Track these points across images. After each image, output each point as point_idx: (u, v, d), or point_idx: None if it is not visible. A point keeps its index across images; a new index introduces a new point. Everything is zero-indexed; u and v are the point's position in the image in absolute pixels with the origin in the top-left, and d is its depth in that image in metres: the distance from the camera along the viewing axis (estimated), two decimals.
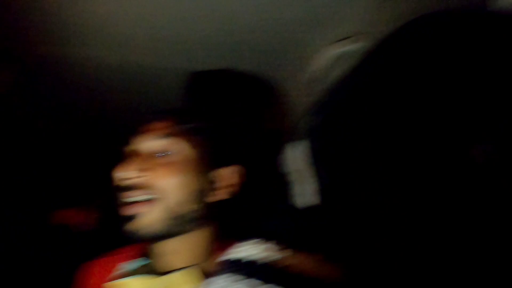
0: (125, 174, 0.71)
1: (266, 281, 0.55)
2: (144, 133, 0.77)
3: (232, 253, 0.62)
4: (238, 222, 0.84)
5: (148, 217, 0.70)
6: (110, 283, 0.75)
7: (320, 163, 1.17)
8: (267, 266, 0.57)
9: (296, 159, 1.27)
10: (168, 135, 0.75)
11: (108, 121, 1.57)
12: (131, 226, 0.70)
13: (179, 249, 0.75)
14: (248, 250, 0.60)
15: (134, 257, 0.80)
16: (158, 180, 0.71)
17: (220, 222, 0.82)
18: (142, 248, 0.81)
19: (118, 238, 0.74)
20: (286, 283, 0.56)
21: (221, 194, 0.78)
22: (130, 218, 0.70)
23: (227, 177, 0.79)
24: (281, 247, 0.61)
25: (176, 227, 0.72)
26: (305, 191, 1.24)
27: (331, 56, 0.87)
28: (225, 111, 1.00)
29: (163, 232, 0.71)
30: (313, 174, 1.20)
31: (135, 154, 0.75)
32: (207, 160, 0.78)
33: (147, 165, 0.72)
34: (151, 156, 0.74)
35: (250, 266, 0.57)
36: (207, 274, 0.66)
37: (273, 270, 0.57)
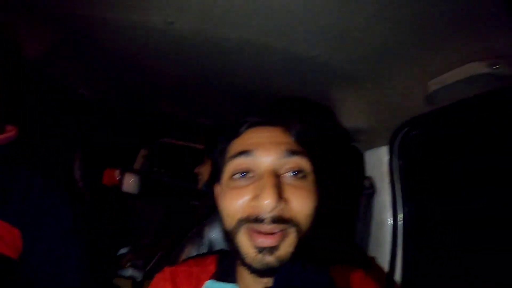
0: (272, 203, 0.60)
1: None
2: (266, 145, 0.66)
3: None
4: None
5: (283, 248, 0.62)
6: None
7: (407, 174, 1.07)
8: None
9: (378, 164, 1.16)
10: (301, 151, 0.66)
11: (147, 89, 1.51)
12: (266, 259, 0.62)
13: None
14: None
15: (221, 276, 0.75)
16: (295, 209, 0.63)
17: None
18: (223, 264, 0.77)
19: None
20: None
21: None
22: (264, 249, 0.62)
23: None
24: None
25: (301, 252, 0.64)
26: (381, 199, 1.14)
27: (467, 73, 0.75)
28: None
29: (292, 259, 0.63)
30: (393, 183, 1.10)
31: (259, 174, 0.65)
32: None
33: (283, 191, 0.63)
34: (278, 175, 0.64)
35: None
36: None
37: None
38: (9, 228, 0.78)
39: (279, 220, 0.61)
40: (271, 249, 0.61)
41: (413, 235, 1.10)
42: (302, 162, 0.65)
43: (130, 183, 2.17)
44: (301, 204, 0.63)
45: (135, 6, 0.81)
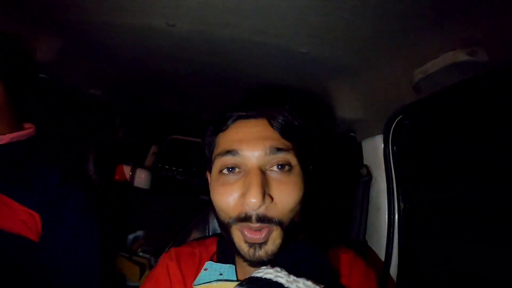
0: (257, 203, 0.63)
1: None
2: (251, 142, 0.68)
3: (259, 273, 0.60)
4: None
5: (271, 243, 0.66)
6: (201, 285, 0.75)
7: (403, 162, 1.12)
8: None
9: (374, 152, 1.22)
10: (285, 147, 0.68)
11: (153, 88, 1.58)
12: (257, 253, 0.66)
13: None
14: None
15: (220, 256, 0.81)
16: (279, 206, 0.66)
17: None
18: (222, 246, 0.83)
19: None
20: None
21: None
22: (254, 244, 0.66)
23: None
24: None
25: (288, 243, 0.68)
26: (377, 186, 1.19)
27: (448, 61, 0.79)
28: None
29: (280, 251, 0.67)
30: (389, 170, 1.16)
31: (245, 170, 0.68)
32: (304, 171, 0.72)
33: (269, 186, 0.66)
34: (264, 171, 0.67)
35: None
36: None
37: None
38: (31, 213, 0.87)
39: (263, 219, 0.65)
40: (261, 245, 0.66)
41: (408, 220, 1.15)
42: (287, 157, 0.68)
43: (141, 178, 2.26)
44: (285, 201, 0.66)
45: (137, 11, 0.88)
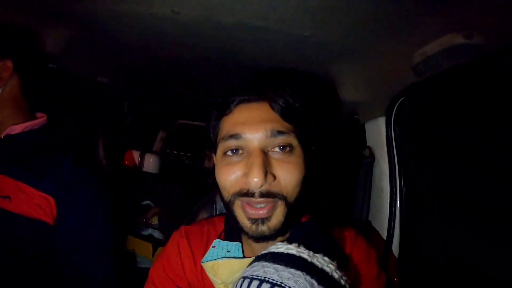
0: (259, 181, 0.66)
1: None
2: (252, 126, 0.71)
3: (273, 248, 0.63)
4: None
5: (275, 218, 0.69)
6: (209, 262, 0.78)
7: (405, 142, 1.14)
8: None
9: (377, 133, 1.24)
10: (286, 130, 0.71)
11: (160, 74, 1.61)
12: (259, 228, 0.69)
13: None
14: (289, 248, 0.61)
15: (227, 234, 0.84)
16: (282, 183, 0.69)
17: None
18: (229, 225, 0.85)
19: None
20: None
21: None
22: (256, 220, 0.69)
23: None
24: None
25: (293, 221, 0.72)
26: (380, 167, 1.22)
27: (445, 44, 0.80)
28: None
29: (284, 228, 0.71)
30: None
31: (248, 151, 0.71)
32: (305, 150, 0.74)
33: (271, 166, 0.69)
34: (266, 152, 0.70)
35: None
36: None
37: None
38: (46, 197, 0.91)
39: (267, 194, 0.68)
40: (263, 220, 0.69)
41: (410, 202, 1.18)
42: (288, 139, 0.70)
43: (150, 163, 2.31)
44: (288, 178, 0.69)
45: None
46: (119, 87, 1.74)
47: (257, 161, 0.67)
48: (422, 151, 1.32)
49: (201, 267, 0.80)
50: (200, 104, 2.11)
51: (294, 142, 0.71)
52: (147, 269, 0.90)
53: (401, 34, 0.88)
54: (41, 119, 1.05)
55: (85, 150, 1.75)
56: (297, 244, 0.62)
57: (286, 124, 0.72)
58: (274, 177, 0.68)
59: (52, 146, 1.01)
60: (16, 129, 0.98)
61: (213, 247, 0.82)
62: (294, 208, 0.71)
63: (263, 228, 0.69)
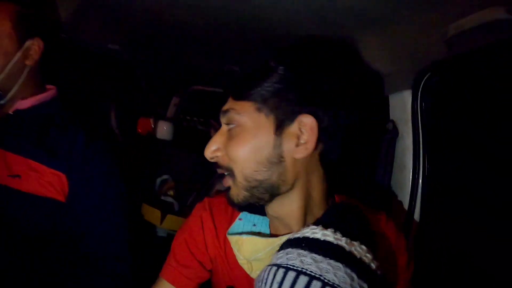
0: (207, 154, 0.76)
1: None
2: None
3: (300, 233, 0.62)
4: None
5: (233, 189, 0.75)
6: (234, 236, 0.79)
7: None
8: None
9: (401, 107, 1.17)
10: (229, 108, 0.75)
11: (172, 40, 1.55)
12: (227, 196, 0.77)
13: (281, 214, 0.77)
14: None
15: (252, 208, 0.82)
16: (229, 155, 0.74)
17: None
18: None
19: None
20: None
21: (300, 153, 0.71)
22: (227, 189, 0.77)
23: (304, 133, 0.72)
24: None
25: (262, 194, 0.73)
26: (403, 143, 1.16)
27: (485, 18, 0.71)
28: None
29: (250, 200, 0.74)
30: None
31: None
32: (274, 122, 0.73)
33: (221, 141, 0.75)
34: (225, 130, 0.77)
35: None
36: None
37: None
38: (57, 174, 0.90)
39: (218, 166, 0.77)
40: (228, 189, 0.77)
41: (432, 178, 1.13)
42: (229, 116, 0.75)
43: (163, 130, 2.28)
44: (230, 153, 0.73)
45: None
46: (130, 54, 1.68)
47: (213, 137, 0.77)
48: (448, 131, 1.25)
49: (225, 240, 0.81)
50: (214, 70, 2.04)
51: (240, 119, 0.73)
52: (162, 238, 0.90)
53: (437, 4, 0.78)
54: (50, 91, 1.01)
55: (97, 121, 1.73)
56: (333, 230, 0.59)
57: (232, 103, 0.76)
58: (223, 151, 0.75)
59: (63, 120, 0.98)
60: (26, 103, 0.95)
61: (240, 219, 0.82)
62: (246, 184, 0.73)
63: (228, 197, 0.77)
